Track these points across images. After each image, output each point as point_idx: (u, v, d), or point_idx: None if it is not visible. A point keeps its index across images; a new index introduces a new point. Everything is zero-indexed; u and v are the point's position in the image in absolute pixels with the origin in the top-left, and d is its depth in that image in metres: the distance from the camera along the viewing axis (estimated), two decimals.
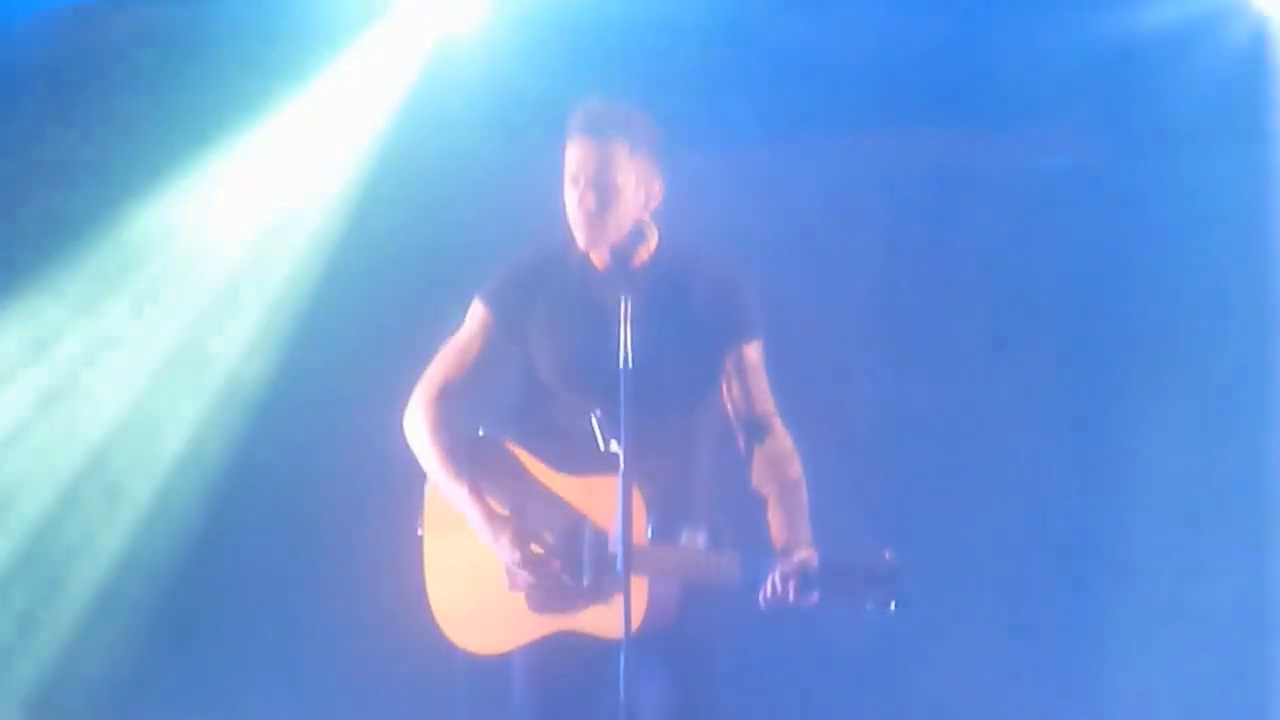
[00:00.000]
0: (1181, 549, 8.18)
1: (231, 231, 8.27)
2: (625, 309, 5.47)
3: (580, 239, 5.74)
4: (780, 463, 5.78)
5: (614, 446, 5.49)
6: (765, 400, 5.85)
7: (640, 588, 5.55)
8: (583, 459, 5.70)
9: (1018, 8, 8.12)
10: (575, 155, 5.73)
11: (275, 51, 8.15)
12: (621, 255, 5.75)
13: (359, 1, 8.15)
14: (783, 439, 5.82)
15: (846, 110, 8.25)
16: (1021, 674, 8.15)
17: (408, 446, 5.90)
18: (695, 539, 5.69)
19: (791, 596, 5.50)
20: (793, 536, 5.63)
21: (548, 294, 5.88)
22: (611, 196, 5.71)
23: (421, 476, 5.91)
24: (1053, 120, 8.31)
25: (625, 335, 5.46)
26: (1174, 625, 8.16)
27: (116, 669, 8.25)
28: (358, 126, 8.25)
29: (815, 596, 5.50)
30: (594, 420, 5.63)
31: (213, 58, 8.19)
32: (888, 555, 5.50)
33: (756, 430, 5.82)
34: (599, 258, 5.77)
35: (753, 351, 5.86)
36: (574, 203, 5.73)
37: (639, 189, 5.75)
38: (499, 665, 5.81)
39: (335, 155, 8.25)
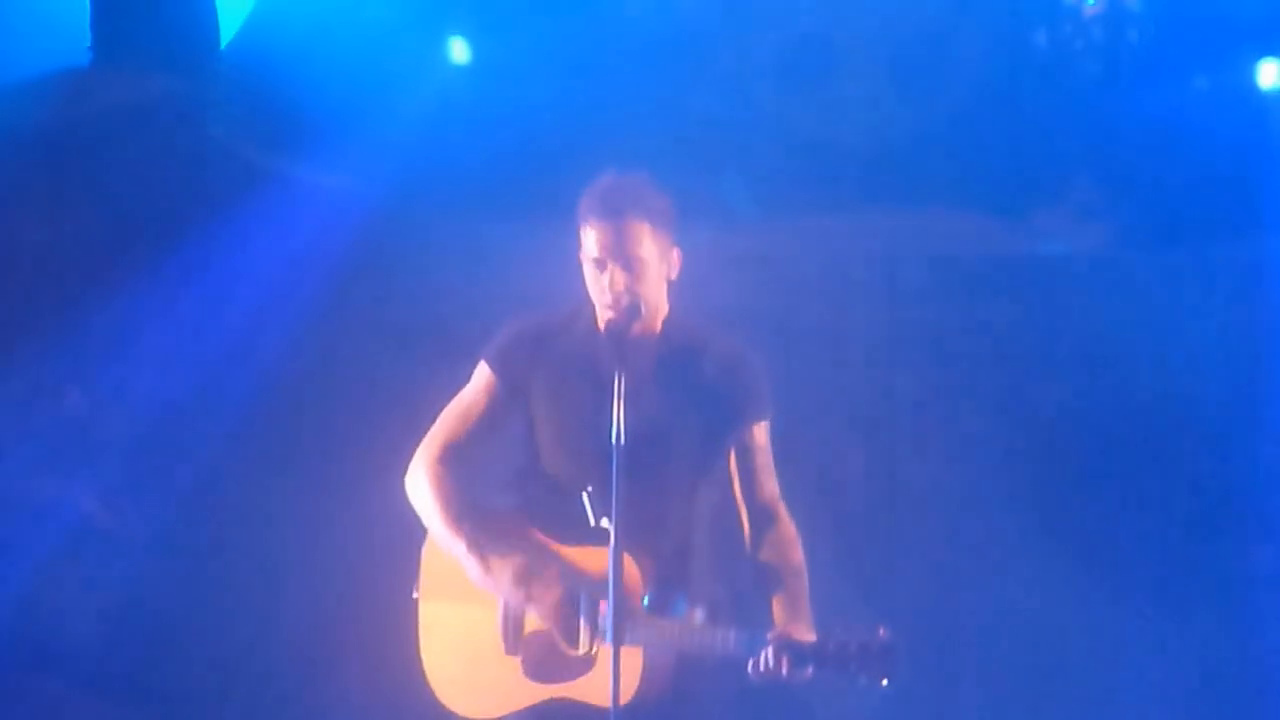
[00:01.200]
0: (1169, 634, 8.16)
1: (228, 299, 8.26)
2: (619, 385, 5.41)
3: (605, 315, 5.67)
4: (784, 548, 5.72)
5: (604, 523, 5.45)
6: (770, 482, 5.79)
7: (635, 657, 5.49)
8: (581, 530, 5.64)
9: (1017, 94, 8.17)
10: (596, 236, 5.67)
11: (268, 122, 8.18)
12: (636, 329, 5.68)
13: (350, 77, 8.18)
14: (787, 525, 5.76)
15: (845, 192, 8.28)
16: None
17: (408, 505, 5.83)
18: (694, 614, 5.63)
19: (785, 671, 5.44)
20: (793, 619, 5.57)
21: (553, 361, 5.82)
22: (640, 272, 5.66)
23: (418, 541, 5.85)
24: (1050, 206, 8.36)
25: (619, 411, 5.39)
26: (1162, 706, 8.14)
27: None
28: (350, 199, 8.26)
29: (809, 671, 5.46)
30: (585, 496, 5.60)
31: (203, 128, 8.24)
32: (882, 632, 5.45)
33: (761, 513, 5.76)
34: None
35: (760, 432, 5.80)
36: (603, 283, 5.66)
37: (662, 261, 5.72)
38: None
39: (330, 224, 8.24)
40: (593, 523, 5.57)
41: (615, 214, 5.65)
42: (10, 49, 8.27)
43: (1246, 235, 8.23)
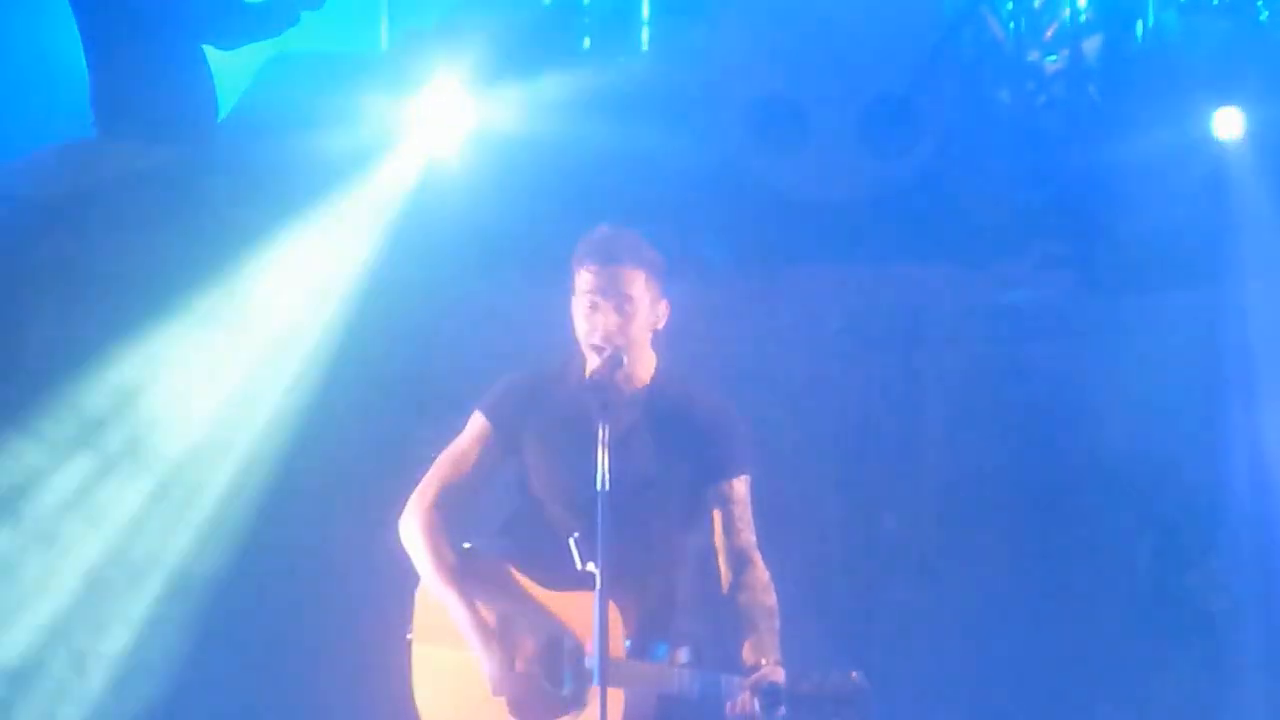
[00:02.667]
0: (1146, 669, 8.24)
1: (227, 359, 8.31)
2: (603, 434, 5.48)
3: (593, 360, 5.75)
4: (758, 592, 5.76)
5: (590, 568, 5.50)
6: (748, 531, 5.84)
7: (617, 699, 5.54)
8: (567, 575, 5.65)
9: (982, 148, 8.22)
10: (591, 281, 5.74)
11: (261, 192, 8.25)
12: (620, 379, 5.76)
13: (345, 141, 8.28)
14: (761, 570, 5.80)
15: (815, 245, 8.33)
16: None
17: (402, 550, 5.89)
18: (677, 656, 5.69)
19: (758, 711, 5.51)
20: (764, 656, 5.62)
21: (543, 410, 5.89)
22: (631, 316, 5.74)
23: (412, 583, 5.90)
24: (1015, 255, 8.41)
25: (603, 459, 5.46)
26: None
27: None
28: (343, 262, 8.33)
29: (781, 712, 5.53)
30: (571, 542, 5.60)
31: (201, 196, 8.28)
32: (855, 676, 5.51)
33: (738, 560, 5.80)
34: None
35: (741, 486, 5.86)
36: (594, 325, 5.74)
37: (651, 310, 5.80)
38: None
39: (325, 284, 8.32)
40: (579, 566, 5.57)
41: (612, 259, 5.73)
42: (15, 124, 8.34)
43: (1204, 280, 8.28)
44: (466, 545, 5.89)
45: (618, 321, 5.75)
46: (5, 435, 8.15)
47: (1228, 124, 8.36)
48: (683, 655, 5.72)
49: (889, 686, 5.61)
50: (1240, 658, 8.19)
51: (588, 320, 5.78)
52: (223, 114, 8.74)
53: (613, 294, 5.74)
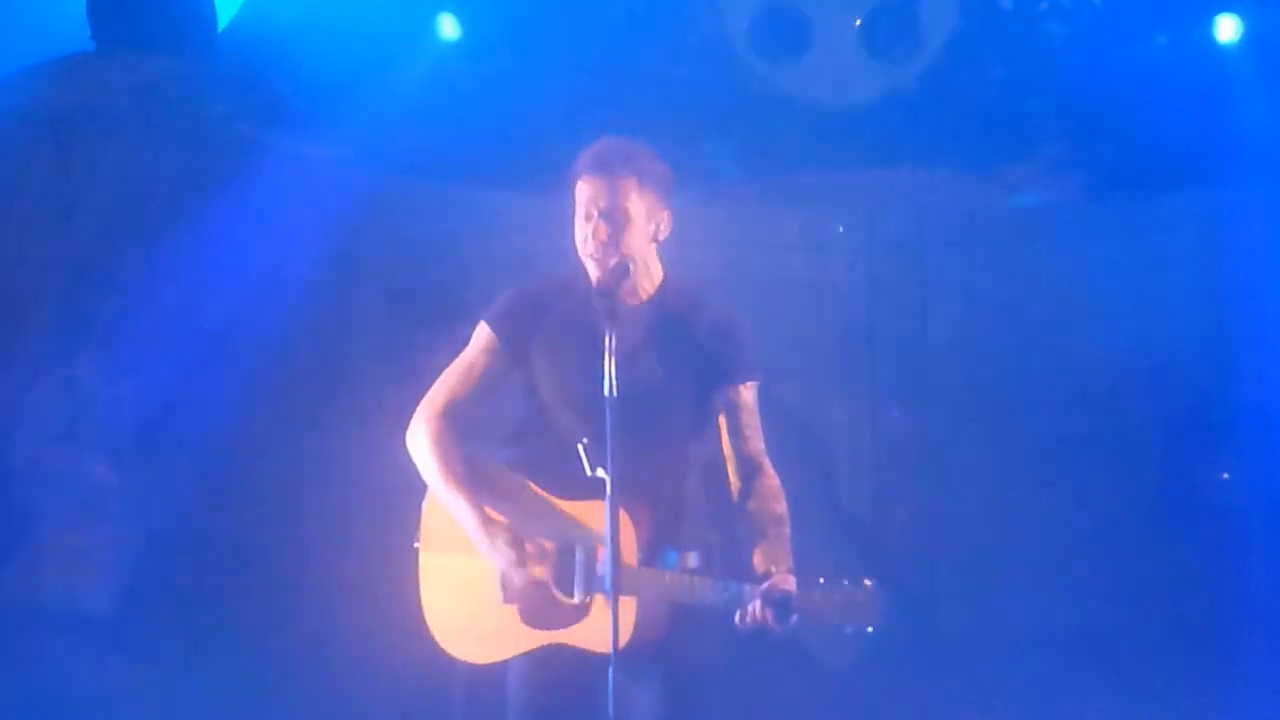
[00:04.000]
0: (1154, 565, 8.25)
1: (235, 269, 8.28)
2: (610, 342, 5.44)
3: (593, 271, 5.71)
4: (768, 499, 5.73)
5: (600, 473, 5.46)
6: (757, 439, 5.80)
7: (629, 606, 5.52)
8: (577, 484, 5.63)
9: (987, 52, 8.18)
10: (586, 191, 5.71)
11: (268, 101, 8.19)
12: (626, 289, 5.73)
13: (346, 53, 8.21)
14: (770, 477, 5.77)
15: (822, 152, 8.29)
16: (999, 688, 8.19)
17: (409, 461, 5.84)
18: (686, 561, 5.67)
19: (770, 620, 5.50)
20: (774, 565, 5.57)
21: (551, 322, 5.84)
22: (624, 226, 5.69)
23: (419, 492, 5.85)
24: (1023, 160, 8.38)
25: (610, 366, 5.43)
26: (1158, 643, 8.23)
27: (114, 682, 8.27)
28: (350, 170, 8.29)
29: (794, 620, 5.52)
30: (581, 448, 5.60)
31: (204, 105, 8.24)
32: (867, 582, 5.47)
33: (747, 467, 5.77)
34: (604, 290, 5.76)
35: (748, 392, 5.82)
36: (586, 235, 5.71)
37: (649, 221, 5.74)
38: (493, 673, 5.78)
39: (329, 197, 8.27)
40: (589, 472, 5.56)
41: (604, 169, 5.69)
42: (13, 37, 8.27)
43: (1208, 184, 8.27)
44: (474, 454, 5.86)
45: (609, 231, 5.70)
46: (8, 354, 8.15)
47: (1229, 29, 8.31)
48: (692, 559, 5.71)
49: (899, 591, 5.58)
50: (1247, 552, 8.18)
51: (582, 230, 5.74)
52: (222, 25, 8.65)
53: (606, 204, 5.70)
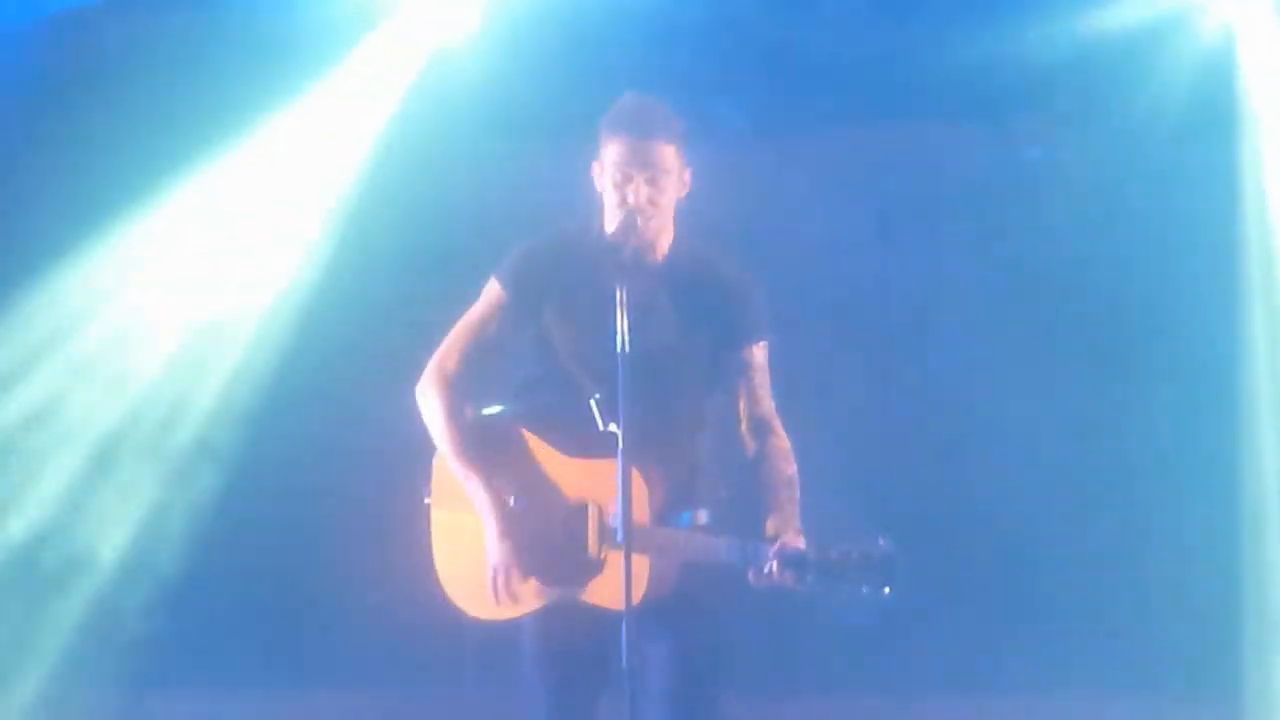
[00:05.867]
0: (1165, 532, 8.21)
1: (236, 230, 8.25)
2: (621, 295, 5.39)
3: (634, 231, 5.61)
4: (779, 460, 5.70)
5: (612, 428, 5.43)
6: (768, 399, 5.77)
7: (642, 563, 5.45)
8: (588, 441, 5.60)
9: (995, 7, 8.14)
10: (620, 152, 5.63)
11: (273, 57, 8.13)
12: (644, 247, 5.66)
13: (356, 8, 8.13)
14: (781, 439, 5.74)
15: (832, 107, 8.24)
16: (1014, 647, 8.19)
17: (419, 419, 5.79)
18: (697, 517, 5.64)
19: (788, 580, 5.43)
20: (784, 525, 5.55)
21: (561, 275, 5.77)
22: (663, 187, 5.64)
23: (429, 447, 5.79)
24: (1029, 114, 8.33)
25: (622, 321, 5.37)
26: (1165, 610, 8.19)
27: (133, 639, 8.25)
28: (357, 128, 8.24)
29: (808, 579, 5.47)
30: (593, 403, 5.58)
31: (211, 63, 8.15)
32: (883, 542, 5.44)
33: (758, 428, 5.74)
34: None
35: (760, 352, 5.78)
36: (624, 197, 5.63)
37: (679, 179, 5.71)
38: (506, 630, 5.74)
39: (335, 155, 8.25)
40: (601, 427, 5.55)
41: (647, 132, 5.62)
42: None
43: (1221, 134, 8.20)
44: (485, 410, 5.80)
45: (650, 194, 5.64)
46: (19, 307, 8.11)
47: None
48: (703, 516, 5.67)
49: (912, 551, 5.54)
50: (1259, 504, 8.16)
51: (619, 191, 5.66)
52: None
53: (647, 167, 5.64)
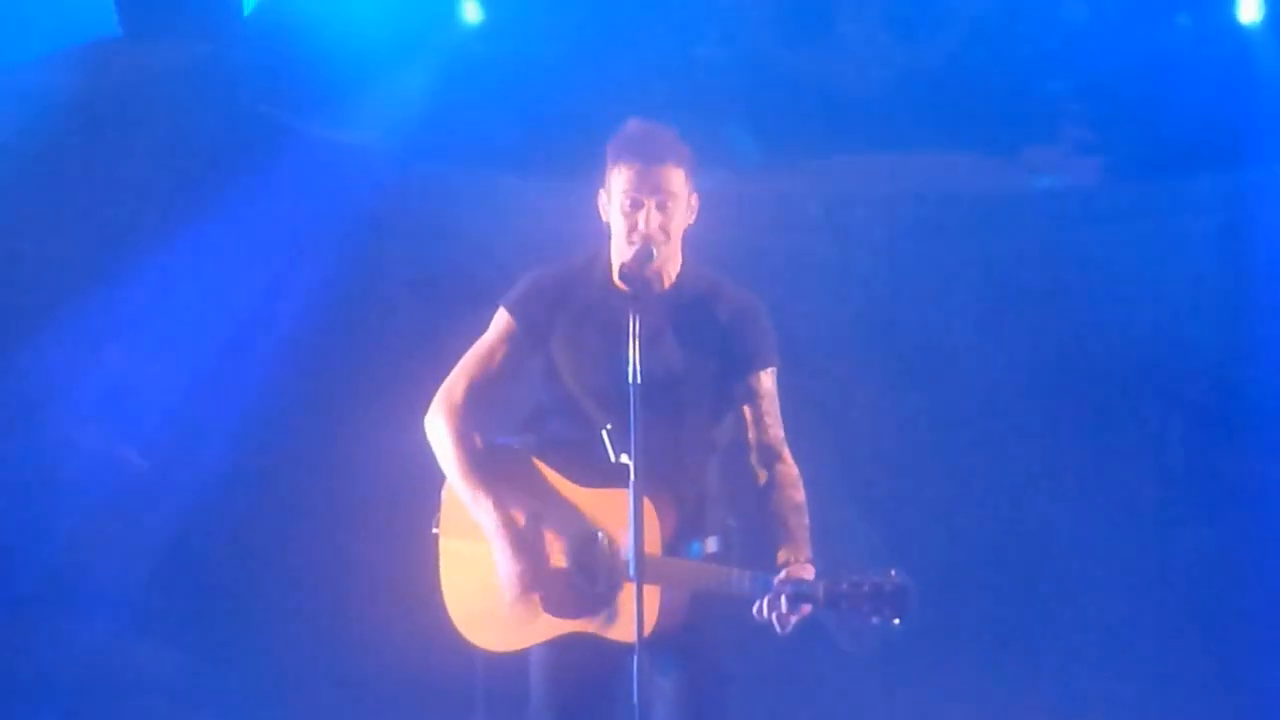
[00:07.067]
0: (1176, 553, 8.18)
1: (253, 251, 8.23)
2: (634, 325, 5.36)
3: (649, 261, 5.55)
4: (788, 488, 5.64)
5: (624, 459, 5.39)
6: (776, 426, 5.71)
7: (652, 595, 5.41)
8: (599, 471, 5.56)
9: (1009, 33, 8.13)
10: (628, 178, 5.57)
11: (292, 84, 8.15)
12: (651, 275, 5.59)
13: (371, 37, 8.14)
14: (790, 466, 5.68)
15: (844, 135, 8.23)
16: (1020, 679, 8.13)
17: (428, 449, 5.76)
18: (706, 545, 5.60)
19: (784, 609, 5.39)
20: (793, 554, 5.50)
21: (570, 306, 5.73)
22: (671, 212, 5.59)
23: (438, 477, 5.75)
24: (1043, 142, 8.31)
25: (635, 351, 5.34)
26: (1171, 631, 8.14)
27: (129, 670, 8.22)
28: (374, 153, 8.26)
29: (806, 610, 5.42)
30: (605, 434, 5.53)
31: (230, 90, 8.19)
32: (894, 574, 5.39)
33: (766, 455, 5.69)
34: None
35: (768, 379, 5.72)
36: (632, 224, 5.58)
37: (687, 206, 5.66)
38: (515, 662, 5.72)
39: (356, 179, 8.25)
40: (613, 458, 5.50)
41: (654, 158, 5.57)
42: (41, 24, 8.24)
43: (1230, 165, 8.18)
44: (493, 443, 5.76)
45: (660, 220, 5.59)
46: (39, 339, 8.11)
47: (1252, 8, 8.23)
48: (712, 544, 5.63)
49: (919, 582, 5.51)
50: (1270, 537, 8.10)
51: (628, 218, 5.61)
52: (247, 9, 8.59)
53: (655, 193, 5.58)
